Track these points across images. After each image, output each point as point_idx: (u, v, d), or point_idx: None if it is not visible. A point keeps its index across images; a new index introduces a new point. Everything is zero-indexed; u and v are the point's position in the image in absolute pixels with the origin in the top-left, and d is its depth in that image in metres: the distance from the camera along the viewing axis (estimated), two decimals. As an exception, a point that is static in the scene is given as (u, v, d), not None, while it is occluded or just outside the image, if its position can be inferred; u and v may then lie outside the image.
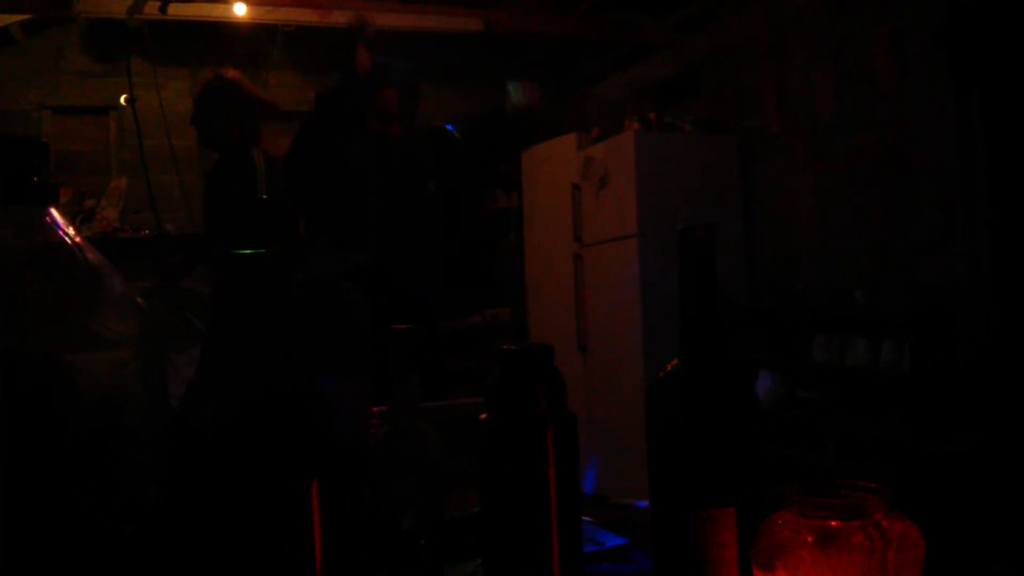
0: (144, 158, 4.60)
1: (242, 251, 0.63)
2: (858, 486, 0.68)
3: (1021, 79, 3.24)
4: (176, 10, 4.77)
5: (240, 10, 4.84)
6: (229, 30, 5.19)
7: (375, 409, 1.23)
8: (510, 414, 0.78)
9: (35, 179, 0.63)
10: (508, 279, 5.93)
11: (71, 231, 0.66)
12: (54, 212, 0.64)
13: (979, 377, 3.17)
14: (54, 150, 5.52)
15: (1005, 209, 3.29)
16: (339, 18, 5.20)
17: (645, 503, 0.81)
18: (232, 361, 0.63)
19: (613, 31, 5.54)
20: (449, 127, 2.82)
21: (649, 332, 4.42)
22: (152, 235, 5.10)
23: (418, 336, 1.10)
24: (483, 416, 0.79)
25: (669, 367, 0.80)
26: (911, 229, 3.75)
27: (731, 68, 4.95)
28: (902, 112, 3.77)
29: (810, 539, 0.65)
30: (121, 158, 5.47)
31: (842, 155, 4.10)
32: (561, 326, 5.13)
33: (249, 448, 0.61)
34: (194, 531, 0.63)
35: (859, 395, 3.77)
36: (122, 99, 4.83)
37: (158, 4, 4.68)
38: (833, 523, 0.65)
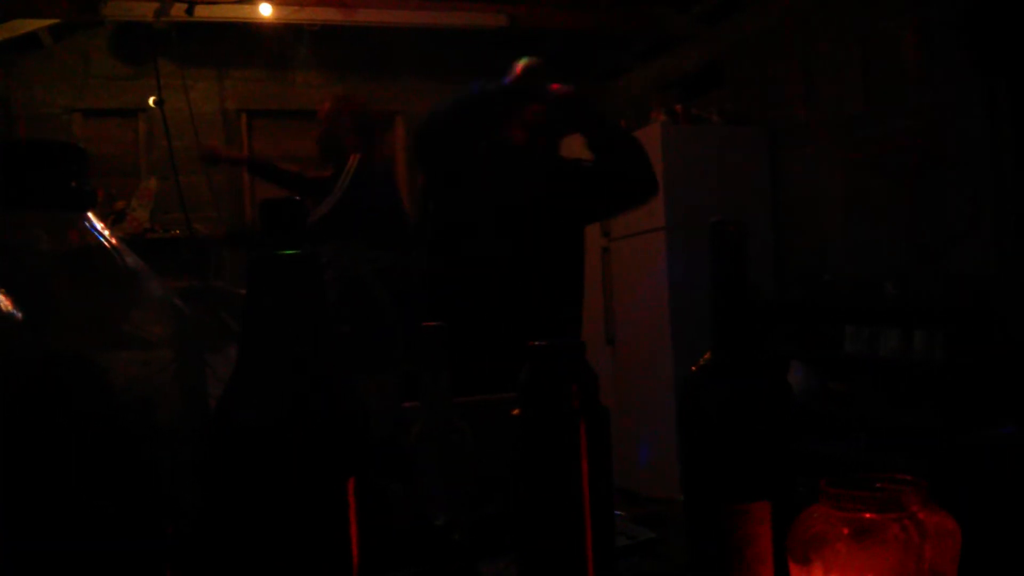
0: (173, 159, 4.65)
1: (278, 251, 0.63)
2: (893, 479, 0.68)
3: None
4: (202, 12, 4.81)
5: (266, 11, 4.87)
6: (255, 31, 5.22)
7: (407, 405, 1.24)
8: (542, 410, 0.78)
9: (73, 184, 0.64)
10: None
11: (108, 235, 0.67)
12: (91, 216, 0.65)
13: (1013, 366, 3.14)
14: (84, 153, 5.59)
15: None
16: (364, 17, 5.22)
17: (674, 497, 0.81)
18: (268, 361, 0.64)
19: (636, 23, 5.53)
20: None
21: (678, 325, 4.41)
22: (183, 235, 5.15)
23: (448, 333, 1.11)
24: (515, 412, 0.79)
25: (702, 361, 0.80)
26: (939, 219, 3.71)
27: (757, 58, 4.92)
28: (929, 101, 3.73)
29: (846, 532, 0.65)
30: (150, 160, 5.53)
31: (870, 145, 4.07)
32: (589, 319, 5.11)
33: (286, 447, 0.62)
34: (232, 531, 0.64)
35: (891, 386, 3.74)
36: (150, 101, 4.88)
37: (184, 6, 4.72)
38: (868, 516, 0.65)
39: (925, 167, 3.77)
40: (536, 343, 0.80)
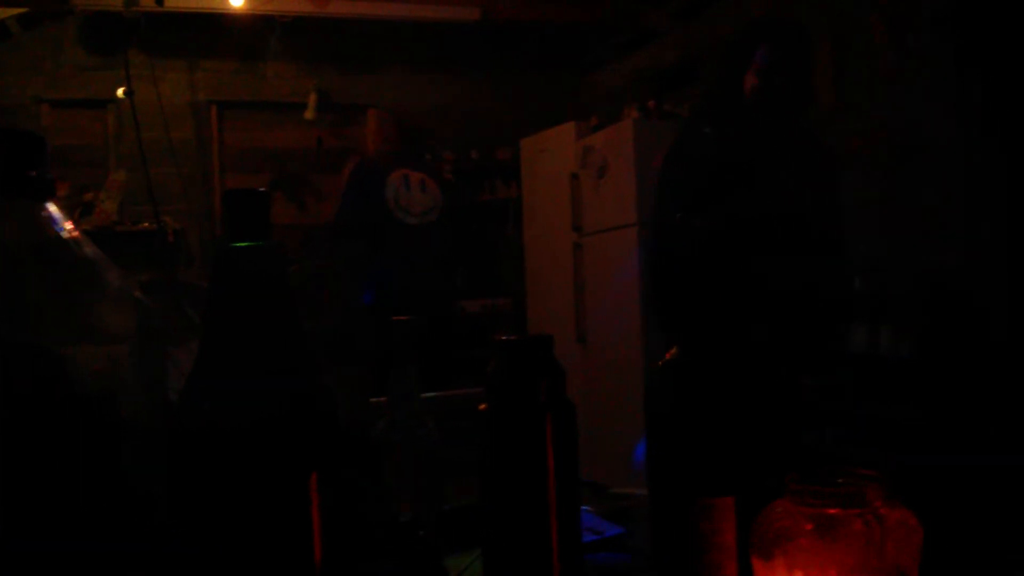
0: (143, 151, 4.60)
1: (240, 242, 0.63)
2: (856, 474, 0.68)
3: (1022, 61, 3.23)
4: (173, 2, 4.77)
5: (237, 1, 4.83)
6: (226, 22, 5.18)
7: (374, 400, 1.23)
8: (509, 405, 0.78)
9: (32, 173, 0.63)
10: (508, 269, 5.94)
11: (68, 226, 0.66)
12: (51, 207, 0.64)
13: (980, 360, 3.17)
14: (52, 144, 5.50)
15: (1008, 192, 3.29)
16: (336, 9, 5.19)
17: (643, 492, 0.81)
18: (230, 354, 0.63)
19: (611, 18, 5.53)
20: None
21: (649, 321, 4.42)
22: (152, 228, 5.10)
23: (418, 327, 1.10)
24: (482, 407, 0.79)
25: (668, 356, 0.80)
26: (911, 213, 3.74)
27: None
28: (902, 95, 3.76)
29: (808, 527, 0.65)
30: (119, 151, 5.47)
31: (842, 140, 4.09)
32: (561, 316, 5.13)
33: (248, 441, 0.62)
34: (193, 524, 0.63)
35: (861, 381, 3.77)
36: (120, 92, 4.83)
37: (155, -4, 4.67)
38: (831, 511, 0.65)
39: (898, 162, 3.79)
40: (504, 337, 0.80)
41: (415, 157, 4.40)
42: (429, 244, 4.32)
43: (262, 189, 0.66)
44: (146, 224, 5.22)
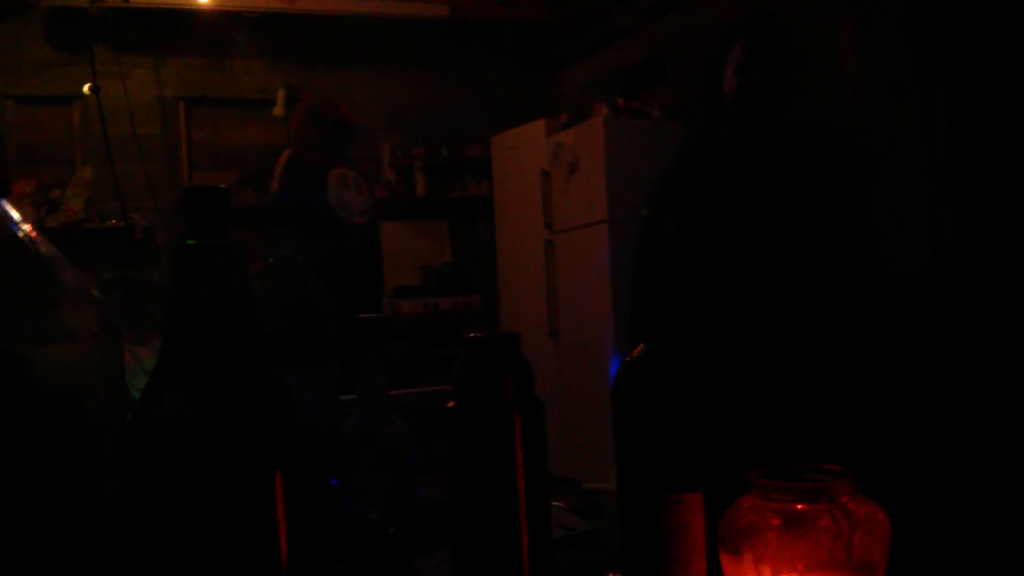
0: (109, 148, 4.55)
1: (200, 240, 0.62)
2: (823, 469, 0.68)
3: (984, 66, 3.26)
4: (139, -3, 4.72)
5: (204, -3, 4.79)
6: (193, 18, 5.13)
7: (343, 398, 1.23)
8: (477, 403, 0.77)
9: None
10: (478, 267, 5.93)
11: (25, 226, 0.64)
12: (5, 205, 0.63)
13: (938, 357, 3.21)
14: (17, 141, 5.46)
15: (970, 195, 3.32)
16: (304, 4, 5.16)
17: (615, 488, 0.81)
18: (191, 352, 0.62)
19: (580, 16, 5.54)
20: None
21: (620, 317, 4.43)
22: (119, 225, 5.04)
23: (386, 325, 1.10)
24: (450, 404, 0.78)
25: (636, 352, 0.80)
26: (875, 213, 3.78)
27: (698, 53, 4.95)
28: (866, 98, 3.79)
29: (776, 523, 0.65)
30: (86, 148, 5.40)
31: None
32: (533, 313, 5.13)
33: (210, 440, 0.61)
34: (155, 524, 0.62)
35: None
36: (85, 88, 4.76)
37: (121, -9, 4.62)
38: (799, 506, 0.65)
39: (861, 163, 3.82)
40: (471, 334, 0.79)
41: (347, 154, 4.28)
42: (371, 244, 4.26)
43: (223, 186, 0.65)
44: (113, 221, 5.16)
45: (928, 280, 3.47)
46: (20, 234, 0.62)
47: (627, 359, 0.80)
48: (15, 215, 0.63)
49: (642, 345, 0.79)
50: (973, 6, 3.29)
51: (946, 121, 3.43)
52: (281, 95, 5.65)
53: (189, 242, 0.61)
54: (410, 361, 5.05)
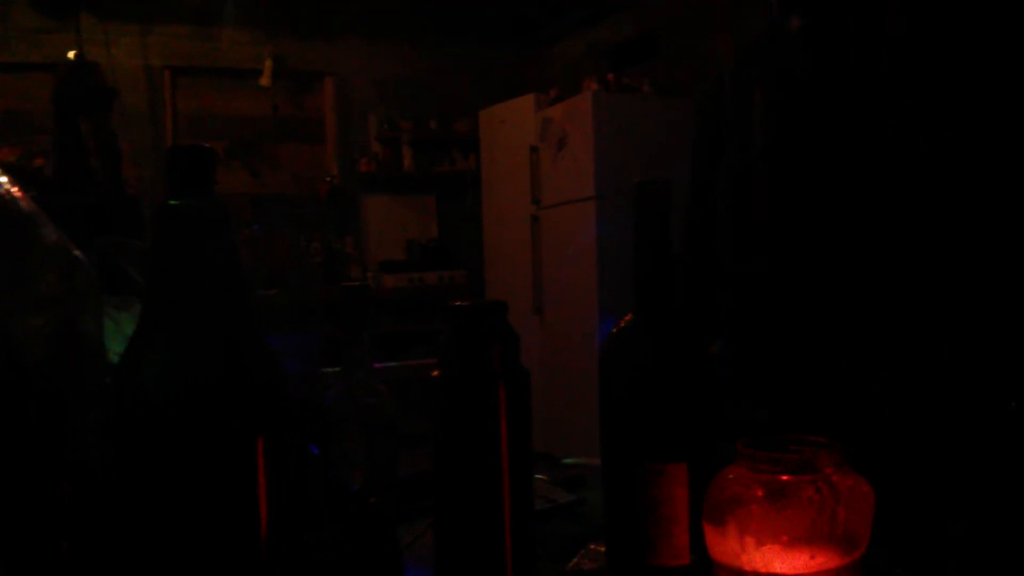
0: (93, 116, 4.49)
1: (183, 201, 0.61)
2: (809, 441, 0.68)
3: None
4: (125, -37, 4.66)
5: (191, -36, 4.73)
6: (180, -15, 5.08)
7: (327, 369, 1.22)
8: (462, 371, 0.77)
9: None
10: (464, 242, 5.92)
11: (4, 181, 0.63)
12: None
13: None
14: (1, 108, 5.40)
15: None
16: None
17: (597, 462, 0.80)
18: (172, 317, 0.61)
19: (571, -9, 5.51)
20: None
21: (605, 294, 4.43)
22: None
23: (369, 292, 1.09)
24: (435, 373, 0.78)
25: (623, 323, 0.79)
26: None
27: (690, 29, 4.93)
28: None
29: (760, 494, 0.65)
30: (69, 116, 5.33)
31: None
32: (518, 288, 5.13)
33: (190, 405, 0.60)
34: (135, 490, 0.61)
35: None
36: (71, 56, 4.71)
37: (106, -43, 4.56)
38: (783, 478, 0.65)
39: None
40: (457, 303, 0.78)
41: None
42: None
43: (207, 145, 0.63)
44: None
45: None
46: (2, 193, 0.61)
47: (615, 328, 0.79)
48: (-7, 173, 0.62)
49: (630, 315, 0.79)
50: None
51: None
52: (268, 65, 5.60)
53: (171, 202, 0.59)
54: (395, 335, 5.05)
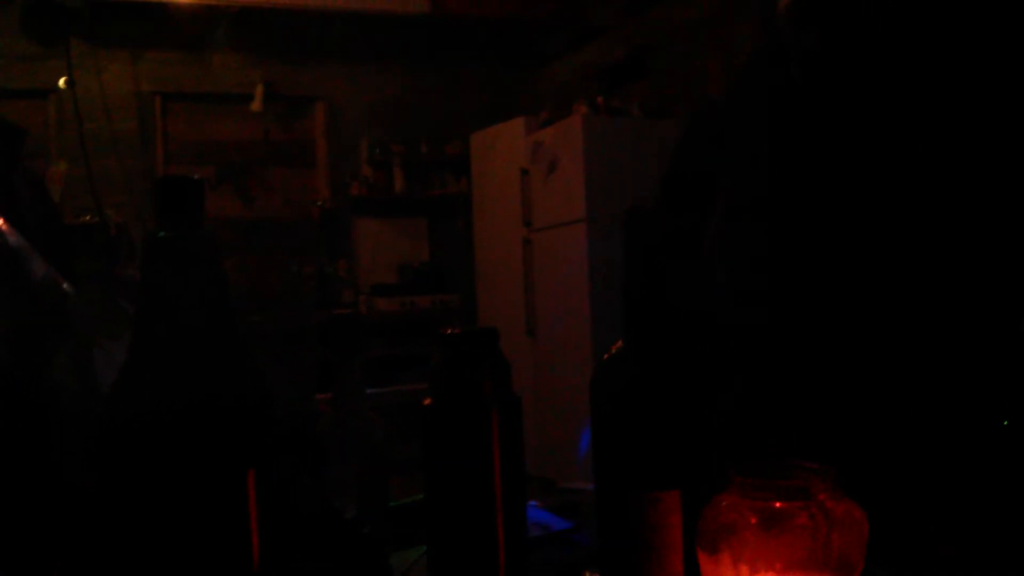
0: (84, 142, 4.50)
1: (172, 232, 0.61)
2: (802, 467, 0.68)
3: None
4: (116, -11, 4.67)
5: (182, -10, 4.75)
6: (171, 11, 5.09)
7: (319, 395, 1.22)
8: (454, 399, 0.76)
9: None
10: (457, 265, 5.92)
11: (-8, 214, 0.63)
12: (-28, 194, 0.62)
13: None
14: (-10, 134, 5.39)
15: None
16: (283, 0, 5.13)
17: (592, 487, 0.80)
18: (162, 347, 0.61)
19: (561, 13, 5.53)
20: None
21: (597, 316, 4.44)
22: (94, 221, 4.99)
23: (361, 321, 1.09)
24: (427, 401, 0.78)
25: (614, 349, 0.79)
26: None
27: (678, 50, 4.96)
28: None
29: (754, 521, 0.65)
30: (61, 142, 5.34)
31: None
32: (510, 311, 5.13)
33: (181, 436, 0.60)
34: (125, 521, 0.61)
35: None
36: (61, 82, 4.72)
37: (97, -16, 4.58)
38: (777, 504, 0.65)
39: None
40: (448, 330, 0.78)
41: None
42: None
43: (196, 176, 0.63)
44: (88, 217, 5.11)
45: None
46: (-14, 225, 0.61)
47: (606, 355, 0.79)
48: (-18, 206, 0.62)
49: (620, 341, 0.79)
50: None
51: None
52: (259, 90, 5.61)
53: (160, 233, 0.59)
54: (387, 359, 5.04)
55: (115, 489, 0.62)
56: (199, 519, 0.60)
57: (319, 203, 5.84)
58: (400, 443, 1.09)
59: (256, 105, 5.62)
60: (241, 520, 0.61)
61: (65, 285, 0.62)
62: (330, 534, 0.97)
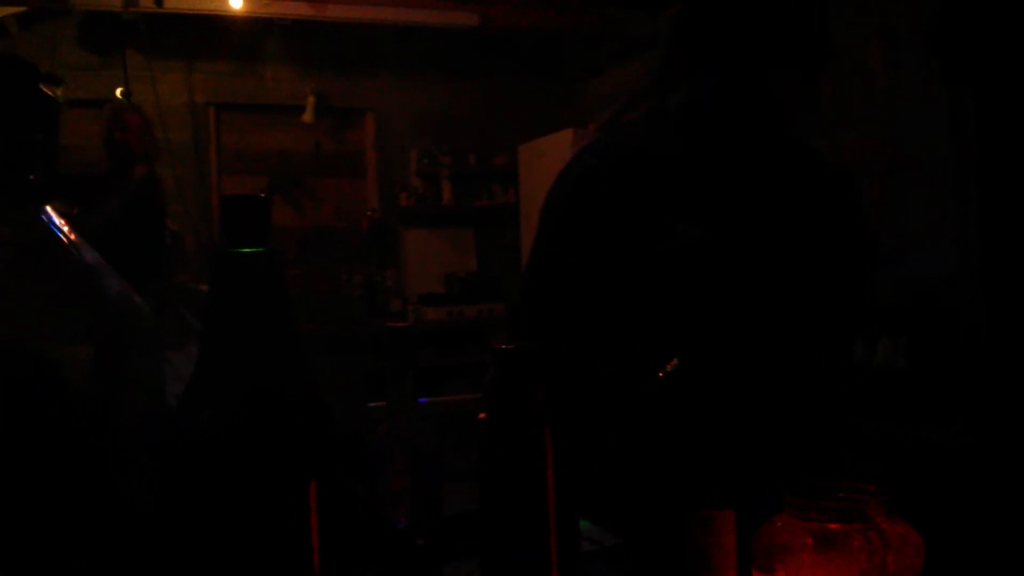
0: (139, 152, 4.58)
1: (240, 248, 0.62)
2: (857, 488, 0.68)
3: (1013, 76, 3.24)
4: (171, 3, 4.75)
5: (236, 3, 4.82)
6: (225, 23, 5.17)
7: (372, 405, 1.23)
8: (508, 414, 0.77)
9: (31, 176, 0.63)
10: (504, 275, 5.93)
11: (66, 229, 0.65)
12: (49, 210, 0.64)
13: (969, 369, 3.18)
14: (49, 143, 5.49)
15: (996, 203, 3.29)
16: (335, 12, 5.19)
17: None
18: (229, 360, 0.62)
19: (605, 26, 5.54)
20: None
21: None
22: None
23: (414, 332, 1.10)
24: (481, 416, 0.79)
25: (669, 367, 0.80)
26: (901, 223, 3.75)
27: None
28: (894, 108, 3.77)
29: (809, 542, 0.65)
30: (116, 152, 5.43)
31: (834, 151, 4.09)
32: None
33: (247, 449, 0.61)
34: (188, 533, 0.62)
35: (857, 394, 3.76)
36: (117, 92, 4.81)
37: (154, -3, 4.66)
38: (832, 526, 0.65)
39: (888, 173, 3.80)
40: (502, 346, 0.79)
41: None
42: None
43: (263, 194, 0.65)
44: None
45: (954, 287, 3.44)
46: (65, 241, 0.63)
47: (660, 374, 0.80)
48: (59, 221, 0.64)
49: (675, 361, 0.79)
50: (1000, 13, 3.26)
51: (976, 129, 3.40)
52: (311, 102, 5.68)
53: (231, 250, 0.61)
54: (434, 368, 5.06)
55: (179, 503, 0.64)
56: (261, 532, 0.62)
57: (368, 213, 5.89)
58: (451, 452, 1.10)
59: (307, 116, 5.69)
60: (304, 531, 0.63)
61: (137, 299, 0.64)
62: (384, 545, 0.98)
